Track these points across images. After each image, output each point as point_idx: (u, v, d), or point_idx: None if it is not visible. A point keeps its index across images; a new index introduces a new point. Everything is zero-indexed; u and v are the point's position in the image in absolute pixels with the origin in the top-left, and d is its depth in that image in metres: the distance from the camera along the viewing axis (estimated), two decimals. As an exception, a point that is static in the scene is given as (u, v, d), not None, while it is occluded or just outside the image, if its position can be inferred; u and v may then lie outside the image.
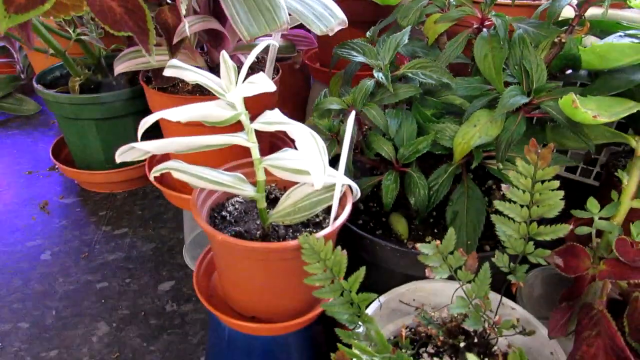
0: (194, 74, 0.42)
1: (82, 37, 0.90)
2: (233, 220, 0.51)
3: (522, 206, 0.41)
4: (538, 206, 0.40)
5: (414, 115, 0.56)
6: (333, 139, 0.57)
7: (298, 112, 1.17)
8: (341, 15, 0.48)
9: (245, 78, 0.43)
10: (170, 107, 0.68)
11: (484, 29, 0.58)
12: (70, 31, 0.90)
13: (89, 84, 1.02)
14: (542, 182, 0.40)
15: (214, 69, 0.68)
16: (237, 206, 0.53)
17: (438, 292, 0.52)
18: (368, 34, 0.71)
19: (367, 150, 0.57)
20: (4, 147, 1.29)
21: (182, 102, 0.63)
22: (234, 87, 0.42)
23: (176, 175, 0.43)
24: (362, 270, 0.40)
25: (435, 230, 0.60)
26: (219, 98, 0.43)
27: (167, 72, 0.43)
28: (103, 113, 0.98)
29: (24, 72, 1.48)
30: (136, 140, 0.42)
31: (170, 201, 0.72)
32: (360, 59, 0.59)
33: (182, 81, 0.66)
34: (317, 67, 1.01)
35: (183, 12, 0.41)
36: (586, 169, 0.87)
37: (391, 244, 0.53)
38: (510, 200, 0.41)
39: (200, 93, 0.64)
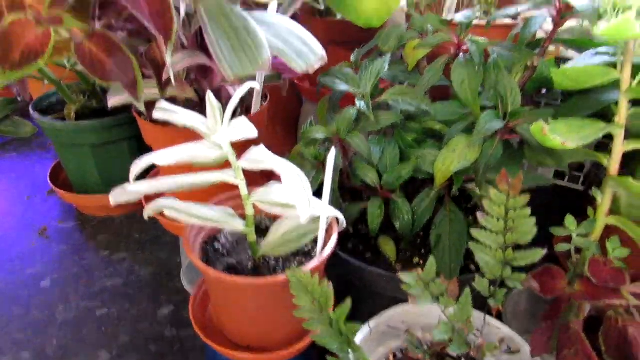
0: (181, 117, 0.44)
1: (77, 67, 0.92)
2: (225, 252, 0.53)
3: (497, 233, 0.42)
4: (512, 233, 0.42)
5: (396, 141, 0.58)
6: (319, 167, 0.59)
7: (291, 131, 1.19)
8: (320, 51, 0.50)
9: (233, 114, 0.45)
10: (162, 139, 0.70)
11: (461, 54, 0.59)
12: (65, 61, 0.92)
13: (84, 110, 1.04)
14: (515, 209, 0.42)
15: (204, 99, 0.70)
16: (229, 237, 0.55)
17: (427, 313, 0.54)
18: (352, 57, 0.73)
19: (353, 177, 0.59)
20: (3, 171, 1.31)
21: (175, 134, 0.65)
22: (220, 126, 0.44)
23: (168, 213, 0.45)
24: (348, 302, 0.42)
25: (423, 251, 0.62)
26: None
27: (156, 115, 0.45)
28: (99, 139, 1.00)
29: (20, 95, 1.50)
30: (131, 164, 0.44)
31: (167, 229, 0.74)
32: (343, 87, 0.60)
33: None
34: (307, 88, 1.03)
35: (168, 61, 0.43)
36: (576, 176, 0.89)
37: (378, 269, 0.55)
38: (485, 228, 0.43)
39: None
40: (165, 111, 0.45)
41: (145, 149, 0.61)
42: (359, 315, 0.44)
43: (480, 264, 0.44)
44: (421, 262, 0.60)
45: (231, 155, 0.44)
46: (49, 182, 1.10)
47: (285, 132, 1.19)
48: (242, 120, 0.41)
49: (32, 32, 0.38)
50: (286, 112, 1.19)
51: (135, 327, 0.80)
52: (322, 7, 0.98)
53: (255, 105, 0.68)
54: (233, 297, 0.48)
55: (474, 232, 0.43)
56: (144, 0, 0.40)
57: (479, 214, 0.43)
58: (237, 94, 0.44)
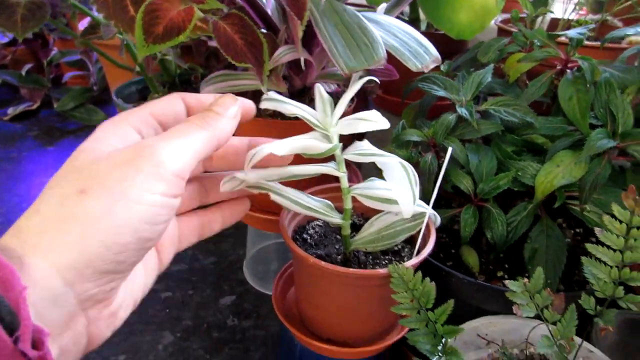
0: (293, 108, 0.45)
1: (165, 57, 0.96)
2: (314, 243, 0.53)
3: (615, 250, 0.41)
4: (632, 251, 0.40)
5: (493, 151, 0.57)
6: (412, 169, 0.59)
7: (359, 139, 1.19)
8: (435, 52, 0.50)
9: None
10: (253, 130, 0.71)
11: (568, 70, 0.58)
12: (158, 52, 0.96)
13: (163, 100, 1.08)
14: (638, 228, 0.40)
15: (295, 94, 0.71)
16: (317, 229, 0.55)
17: (513, 329, 0.52)
18: (443, 68, 0.72)
19: (444, 182, 0.59)
20: (75, 155, 1.37)
21: (265, 125, 0.66)
22: (329, 119, 0.44)
23: (273, 197, 0.46)
24: (451, 304, 0.41)
25: (506, 265, 0.60)
26: (304, 123, 0.45)
27: (264, 105, 0.46)
28: (174, 128, 1.04)
29: (96, 85, 1.57)
30: None
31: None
32: (441, 93, 0.60)
33: (264, 105, 0.69)
34: (380, 95, 1.04)
35: (299, 38, 0.43)
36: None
37: (468, 277, 0.53)
38: (602, 244, 0.41)
39: (281, 117, 0.66)
40: (274, 101, 0.46)
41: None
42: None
43: (591, 281, 0.42)
44: (505, 276, 0.58)
45: (338, 149, 0.44)
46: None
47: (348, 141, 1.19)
48: (373, 112, 0.41)
49: (176, 7, 0.40)
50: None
51: (198, 312, 0.81)
52: (407, 19, 0.99)
53: (344, 103, 0.69)
54: (325, 286, 0.48)
55: (589, 246, 0.41)
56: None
57: (596, 229, 0.41)
58: (353, 88, 0.44)
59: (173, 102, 0.39)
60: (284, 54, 0.59)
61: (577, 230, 0.65)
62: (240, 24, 0.43)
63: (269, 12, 0.67)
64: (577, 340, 0.47)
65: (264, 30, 0.64)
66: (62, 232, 0.28)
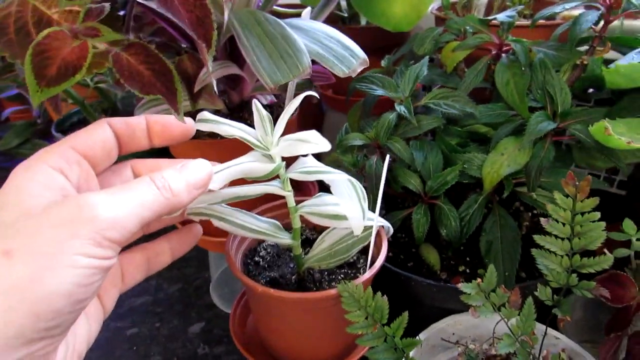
0: (230, 128, 0.42)
1: (100, 84, 0.92)
2: (266, 265, 0.51)
3: (562, 239, 0.40)
4: (580, 238, 0.39)
5: (438, 145, 0.56)
6: (359, 174, 0.57)
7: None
8: (362, 54, 0.48)
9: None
10: (192, 152, 0.68)
11: (503, 54, 0.58)
12: (88, 80, 0.92)
13: (106, 127, 1.03)
14: (582, 213, 0.39)
15: (234, 110, 0.68)
16: (269, 250, 0.53)
17: (478, 324, 0.51)
18: (383, 63, 0.71)
19: (394, 183, 0.57)
20: (25, 193, 1.31)
21: (204, 146, 0.63)
22: (270, 138, 0.42)
23: (216, 223, 0.43)
24: (405, 316, 0.40)
25: (467, 259, 0.59)
26: (245, 143, 0.43)
27: (199, 127, 0.43)
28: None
29: (40, 118, 1.50)
30: None
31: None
32: (380, 92, 0.59)
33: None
34: (331, 96, 1.02)
35: (210, 67, 0.41)
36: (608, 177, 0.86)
37: (427, 279, 0.52)
38: (550, 234, 0.40)
39: (221, 137, 0.64)
40: (210, 122, 0.43)
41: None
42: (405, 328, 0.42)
43: (544, 272, 0.41)
44: (467, 270, 0.58)
45: (282, 168, 0.42)
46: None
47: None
48: (312, 133, 0.39)
49: (69, 45, 0.37)
50: (307, 123, 1.17)
51: (167, 345, 0.78)
52: (347, 15, 0.97)
53: (287, 115, 0.67)
54: (279, 312, 0.46)
55: (537, 238, 0.40)
56: (183, 8, 0.39)
57: (542, 220, 0.40)
58: (292, 105, 0.42)
59: (98, 131, 0.35)
60: (213, 71, 0.57)
61: (535, 212, 0.65)
62: (144, 54, 0.40)
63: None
64: (542, 328, 0.47)
65: (190, 50, 0.61)
66: None
